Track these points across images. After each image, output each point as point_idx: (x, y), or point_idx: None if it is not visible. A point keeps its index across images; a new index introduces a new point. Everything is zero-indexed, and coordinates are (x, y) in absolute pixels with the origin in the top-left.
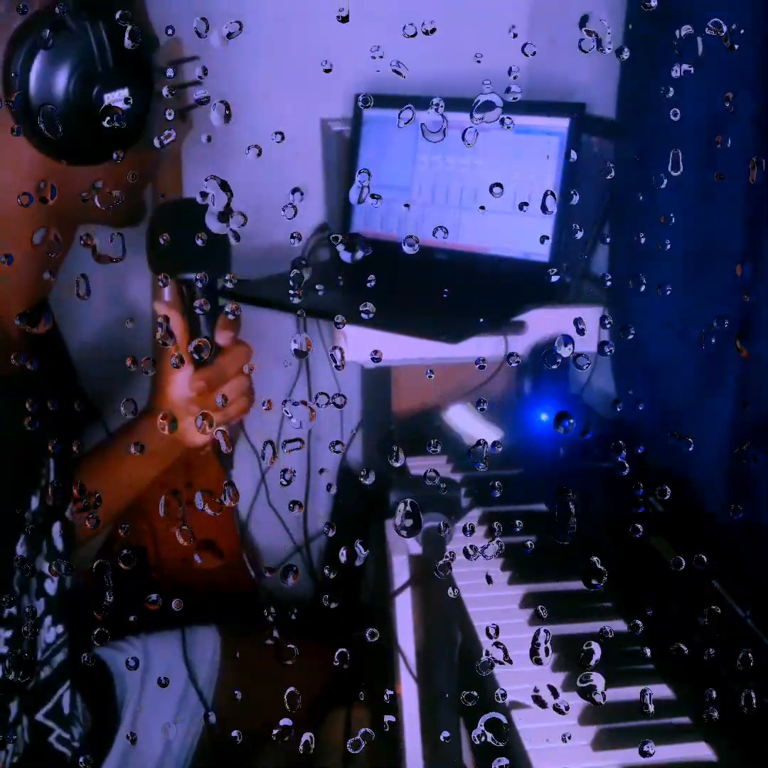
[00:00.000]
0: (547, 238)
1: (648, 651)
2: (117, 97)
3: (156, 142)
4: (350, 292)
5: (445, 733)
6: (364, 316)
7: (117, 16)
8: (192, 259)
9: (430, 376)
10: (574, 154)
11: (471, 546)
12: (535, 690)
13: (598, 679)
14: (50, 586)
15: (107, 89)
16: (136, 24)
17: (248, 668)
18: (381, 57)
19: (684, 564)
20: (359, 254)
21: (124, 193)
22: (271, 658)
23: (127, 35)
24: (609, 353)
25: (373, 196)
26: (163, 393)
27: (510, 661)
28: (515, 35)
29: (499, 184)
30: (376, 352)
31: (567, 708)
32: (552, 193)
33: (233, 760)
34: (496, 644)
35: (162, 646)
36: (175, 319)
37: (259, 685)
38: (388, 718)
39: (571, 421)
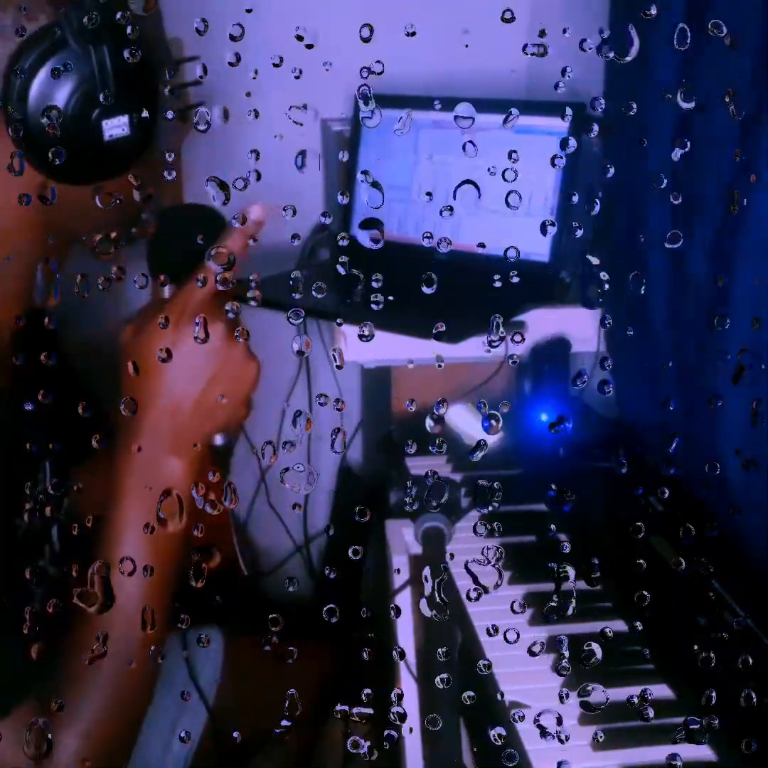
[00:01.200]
0: (546, 237)
1: (648, 651)
2: (116, 124)
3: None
4: (350, 292)
5: (445, 733)
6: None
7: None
8: (195, 264)
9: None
10: (572, 144)
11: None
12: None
13: (597, 689)
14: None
15: (107, 115)
16: (150, 48)
17: (251, 668)
18: (380, 66)
19: (684, 564)
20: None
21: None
22: (274, 659)
23: (131, 59)
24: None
25: (373, 185)
26: None
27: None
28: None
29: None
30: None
31: (562, 718)
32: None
33: (234, 760)
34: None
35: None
36: None
37: (262, 685)
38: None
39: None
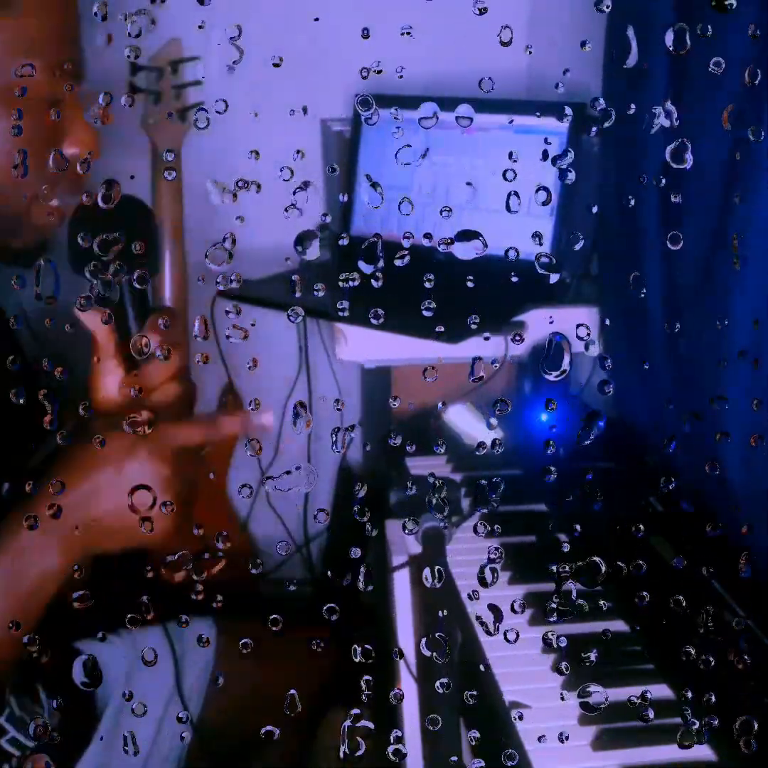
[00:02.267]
0: (543, 236)
1: (648, 651)
2: None
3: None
4: (350, 292)
5: (445, 733)
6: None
7: None
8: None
9: (433, 377)
10: (571, 154)
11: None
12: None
13: (597, 691)
14: None
15: None
16: None
17: (245, 661)
18: (380, 66)
19: (684, 564)
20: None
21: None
22: (267, 653)
23: None
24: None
25: (373, 185)
26: (94, 399)
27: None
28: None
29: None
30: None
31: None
32: (546, 189)
33: (225, 759)
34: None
35: (151, 639)
36: (98, 323)
37: (256, 680)
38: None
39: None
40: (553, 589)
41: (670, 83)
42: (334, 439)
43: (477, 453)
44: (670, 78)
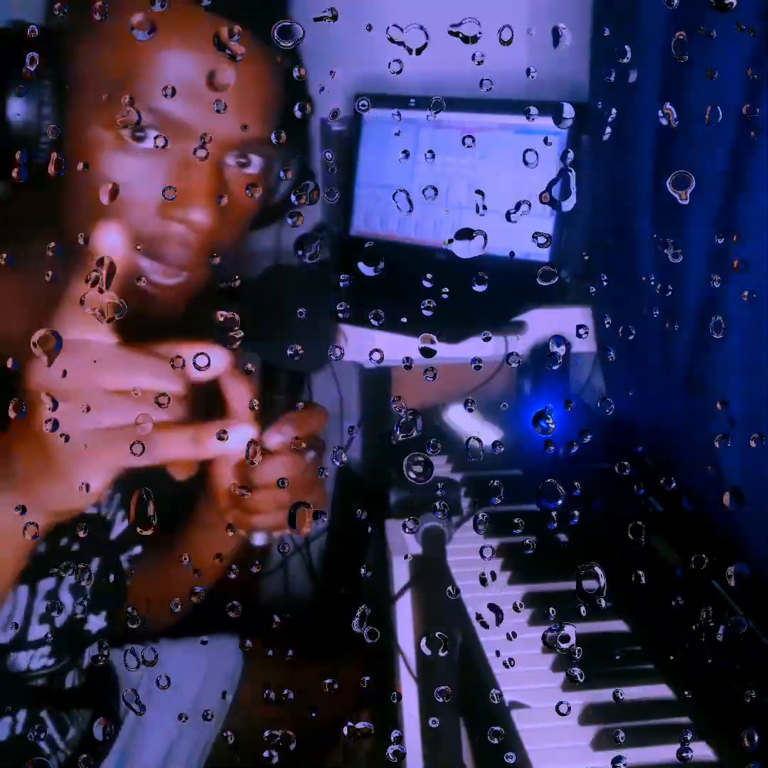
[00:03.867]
0: (547, 237)
1: (648, 651)
2: None
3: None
4: (350, 292)
5: (445, 733)
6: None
7: None
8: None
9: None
10: (571, 154)
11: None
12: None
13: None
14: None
15: None
16: None
17: (270, 678)
18: (379, 66)
19: (684, 566)
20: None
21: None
22: (292, 678)
23: None
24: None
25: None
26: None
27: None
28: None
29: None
30: (376, 351)
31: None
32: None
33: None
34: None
35: (178, 652)
36: (245, 404)
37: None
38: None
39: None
40: (553, 590)
41: (661, 84)
42: (335, 450)
43: (470, 453)
44: (660, 79)
